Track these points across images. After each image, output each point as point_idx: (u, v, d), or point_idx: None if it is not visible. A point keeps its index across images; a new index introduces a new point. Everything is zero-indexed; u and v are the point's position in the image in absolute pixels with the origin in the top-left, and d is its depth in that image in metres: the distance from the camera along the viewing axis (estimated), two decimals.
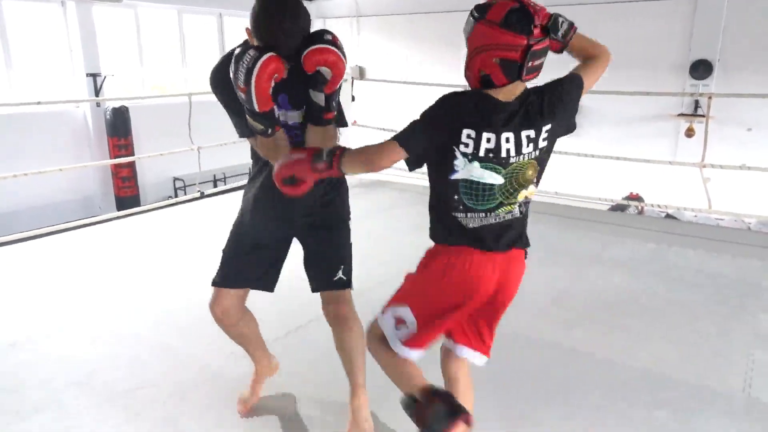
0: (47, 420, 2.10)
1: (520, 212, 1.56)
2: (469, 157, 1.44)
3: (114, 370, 2.42)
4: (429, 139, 1.46)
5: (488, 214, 1.51)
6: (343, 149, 1.52)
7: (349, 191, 1.99)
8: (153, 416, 2.12)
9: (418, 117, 1.48)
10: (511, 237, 1.56)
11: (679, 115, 7.90)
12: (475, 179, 1.46)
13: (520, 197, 1.53)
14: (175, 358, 2.52)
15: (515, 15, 1.38)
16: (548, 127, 1.50)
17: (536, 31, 1.40)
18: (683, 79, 7.74)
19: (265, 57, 1.50)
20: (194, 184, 5.76)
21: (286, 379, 2.34)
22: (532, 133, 1.47)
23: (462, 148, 1.44)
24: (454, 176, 1.47)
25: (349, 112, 5.83)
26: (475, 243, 1.52)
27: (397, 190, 5.57)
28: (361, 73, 10.15)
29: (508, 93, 1.46)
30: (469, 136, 1.42)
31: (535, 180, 1.54)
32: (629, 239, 4.13)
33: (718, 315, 2.97)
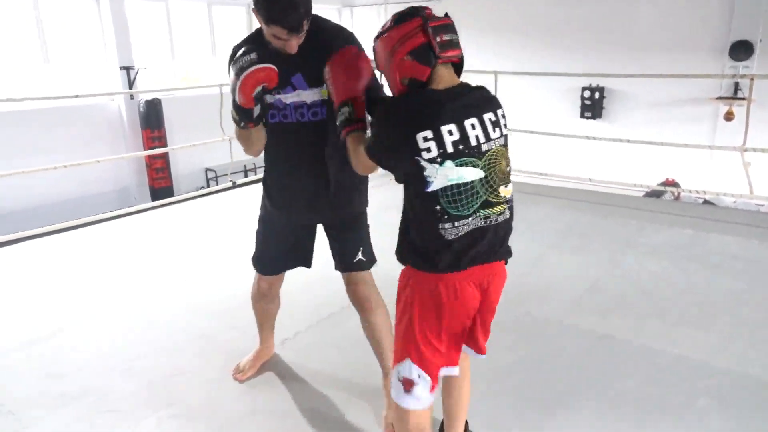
0: (91, 404, 2.17)
1: (508, 213, 1.46)
2: (438, 160, 1.33)
3: (152, 356, 2.48)
4: (391, 157, 1.40)
5: (475, 216, 1.38)
6: (361, 127, 1.53)
7: (368, 183, 2.02)
8: (192, 401, 2.17)
9: (374, 127, 1.43)
10: (495, 246, 1.45)
11: (717, 98, 7.65)
12: (454, 182, 1.34)
13: (506, 194, 1.43)
14: (211, 345, 2.57)
15: (401, 13, 1.43)
16: (502, 111, 1.46)
17: (429, 12, 1.41)
18: (722, 61, 7.48)
19: (258, 66, 1.57)
20: (226, 175, 5.84)
21: (320, 365, 2.37)
22: (492, 115, 1.42)
23: (425, 155, 1.32)
24: (430, 188, 1.34)
25: None
26: (456, 262, 1.40)
27: None
28: None
29: (447, 83, 1.42)
30: (426, 139, 1.32)
31: (509, 173, 1.45)
32: (665, 226, 4.02)
33: (759, 301, 2.88)
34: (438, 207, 1.36)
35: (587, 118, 8.61)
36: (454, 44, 1.40)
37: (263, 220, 2.07)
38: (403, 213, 1.48)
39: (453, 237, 1.37)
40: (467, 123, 1.36)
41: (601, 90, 8.42)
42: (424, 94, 1.39)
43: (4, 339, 2.65)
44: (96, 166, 7.03)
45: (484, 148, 1.38)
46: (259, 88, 1.60)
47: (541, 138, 5.70)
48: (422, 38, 1.37)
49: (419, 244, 1.42)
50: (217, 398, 2.19)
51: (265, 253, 2.08)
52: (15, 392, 2.24)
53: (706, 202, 6.40)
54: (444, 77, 1.41)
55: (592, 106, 8.59)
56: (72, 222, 4.25)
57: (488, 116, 1.40)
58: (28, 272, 3.47)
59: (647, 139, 5.06)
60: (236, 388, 2.25)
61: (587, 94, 8.52)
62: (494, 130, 1.41)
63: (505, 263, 1.55)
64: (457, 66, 1.46)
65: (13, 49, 7.47)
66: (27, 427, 2.04)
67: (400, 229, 1.50)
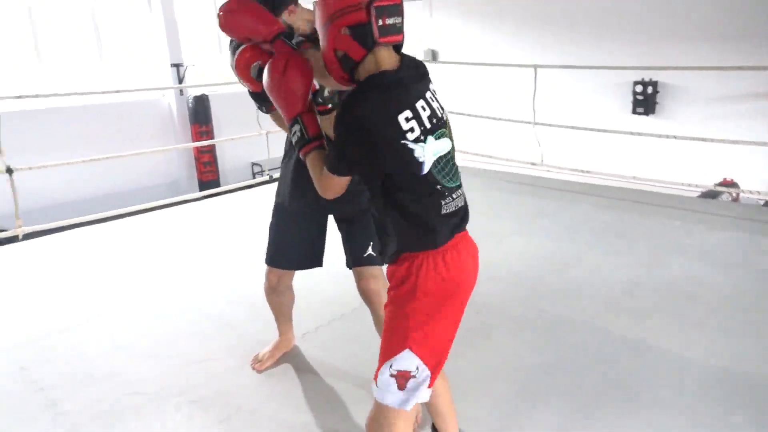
0: (116, 385, 2.23)
1: None
2: (422, 138, 1.30)
3: (178, 343, 2.53)
4: (369, 155, 1.30)
5: (454, 186, 1.39)
6: (318, 145, 1.42)
7: None
8: (211, 387, 2.20)
9: (339, 137, 1.32)
10: (466, 211, 1.46)
11: None
12: (439, 154, 1.34)
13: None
14: (236, 334, 2.60)
15: None
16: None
17: None
18: None
19: (240, 49, 1.59)
20: (273, 169, 5.93)
21: (339, 359, 2.36)
22: (432, 86, 1.43)
23: (410, 136, 1.29)
24: (425, 169, 1.31)
25: None
26: (451, 232, 1.39)
27: (465, 174, 5.42)
28: (434, 56, 10.00)
29: (391, 63, 1.34)
30: (408, 119, 1.29)
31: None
32: (718, 229, 3.80)
33: None
34: (439, 186, 1.34)
35: (639, 113, 8.24)
36: (397, 29, 1.32)
37: (277, 211, 2.09)
38: (391, 213, 1.37)
39: (453, 209, 1.38)
40: (428, 96, 1.36)
41: (654, 84, 8.03)
42: (383, 77, 1.32)
43: (46, 321, 2.76)
44: (149, 160, 7.33)
45: (445, 117, 1.40)
46: (253, 68, 1.59)
47: (588, 135, 5.49)
48: (363, 17, 1.28)
49: (422, 229, 1.36)
50: (235, 386, 2.21)
51: (277, 246, 2.10)
52: (48, 371, 2.34)
53: (767, 204, 6.01)
54: (385, 59, 1.33)
55: (645, 101, 8.21)
56: (121, 210, 4.39)
57: (432, 87, 1.41)
58: (71, 259, 3.61)
59: (703, 135, 4.78)
60: (254, 377, 2.27)
61: (639, 88, 8.15)
62: (439, 99, 1.42)
63: None
64: (398, 45, 1.38)
65: (70, 47, 7.83)
66: (55, 403, 2.12)
67: (390, 229, 1.39)
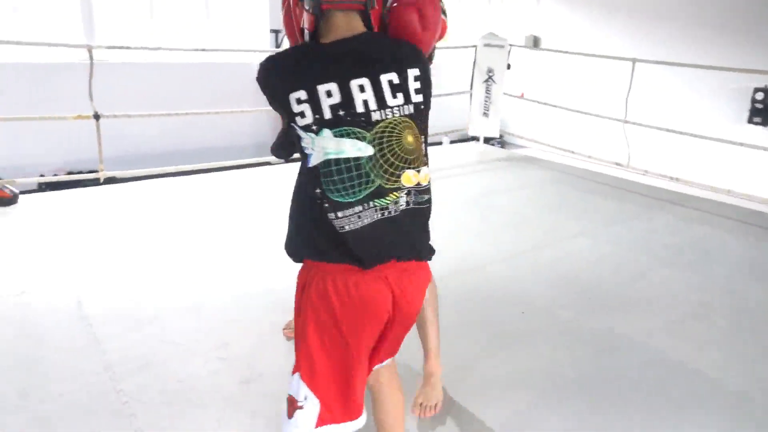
0: (154, 331, 2.35)
1: (414, 204, 1.18)
2: (314, 127, 1.09)
3: (219, 303, 2.60)
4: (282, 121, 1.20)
5: (365, 206, 1.12)
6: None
7: None
8: (240, 348, 2.26)
9: None
10: (401, 243, 1.19)
11: None
12: (333, 155, 1.09)
13: (407, 181, 1.15)
14: (276, 300, 2.64)
15: None
16: (417, 72, 1.16)
17: None
18: None
19: None
20: None
21: None
22: (394, 77, 1.13)
23: (299, 120, 1.09)
24: (310, 163, 1.11)
25: (504, 81, 5.52)
26: (353, 256, 1.14)
27: (545, 168, 5.19)
28: (536, 43, 9.56)
29: (341, 33, 1.14)
30: (299, 101, 1.08)
31: (422, 152, 1.18)
32: None
33: None
34: (318, 191, 1.12)
35: (756, 123, 7.46)
36: None
37: None
38: (293, 193, 1.25)
39: (344, 229, 1.12)
40: (354, 84, 1.10)
41: None
42: (303, 47, 1.17)
43: (110, 262, 2.96)
44: (237, 119, 7.59)
45: (375, 117, 1.11)
46: None
47: (684, 139, 5.04)
48: None
49: (312, 233, 1.18)
50: (263, 350, 2.25)
51: None
52: (100, 309, 2.49)
53: None
54: (339, 26, 1.15)
55: (765, 110, 7.41)
56: (201, 165, 4.60)
57: (388, 77, 1.13)
58: (146, 206, 3.83)
59: None
60: (284, 345, 2.30)
61: (760, 96, 7.37)
62: (394, 96, 1.13)
63: (428, 262, 1.30)
64: (364, 13, 1.18)
65: (181, 6, 8.24)
66: (99, 341, 2.26)
67: (290, 216, 1.27)
